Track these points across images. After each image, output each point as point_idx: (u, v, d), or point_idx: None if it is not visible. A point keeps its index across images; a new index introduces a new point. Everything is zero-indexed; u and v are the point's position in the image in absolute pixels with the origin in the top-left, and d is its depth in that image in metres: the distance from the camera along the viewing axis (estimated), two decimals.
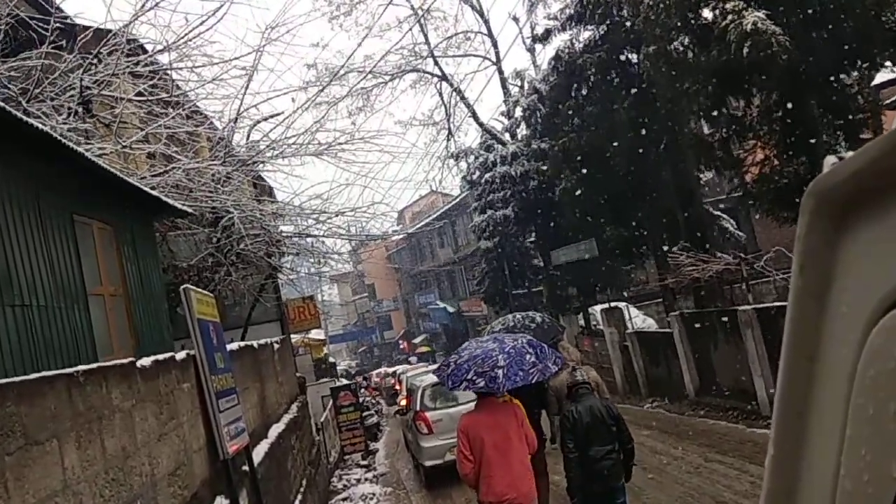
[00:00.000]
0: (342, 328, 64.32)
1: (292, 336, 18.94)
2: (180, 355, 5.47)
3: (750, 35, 9.97)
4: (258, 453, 7.49)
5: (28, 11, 9.75)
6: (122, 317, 7.68)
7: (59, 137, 5.94)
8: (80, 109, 9.50)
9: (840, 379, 0.59)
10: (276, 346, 10.79)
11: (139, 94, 10.38)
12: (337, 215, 12.41)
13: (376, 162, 71.90)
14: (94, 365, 3.81)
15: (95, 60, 9.39)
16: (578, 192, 17.08)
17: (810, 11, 10.77)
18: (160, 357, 5.01)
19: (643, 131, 15.86)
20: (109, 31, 9.56)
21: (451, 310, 42.66)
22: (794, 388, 0.65)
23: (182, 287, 5.92)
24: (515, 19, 26.54)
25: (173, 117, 9.88)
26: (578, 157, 17.02)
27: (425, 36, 26.13)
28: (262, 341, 9.78)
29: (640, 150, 16.09)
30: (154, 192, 8.51)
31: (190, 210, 9.80)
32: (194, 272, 11.54)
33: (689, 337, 13.22)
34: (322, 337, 31.90)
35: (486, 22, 26.37)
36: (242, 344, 8.06)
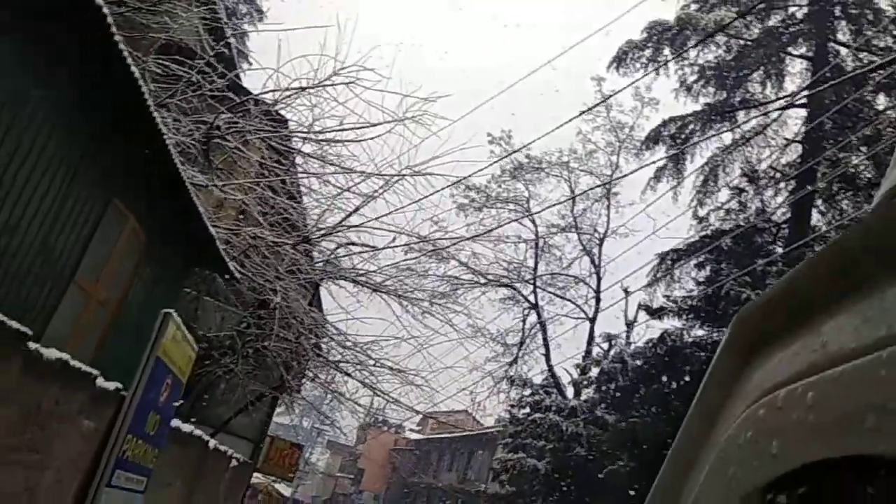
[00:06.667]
0: (310, 498, 59.37)
1: (258, 473, 16.75)
2: (107, 384, 3.99)
3: None
4: None
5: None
6: (97, 325, 6.34)
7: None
8: (199, 145, 9.10)
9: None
10: (234, 462, 8.95)
11: (260, 163, 10.02)
12: (376, 365, 10.98)
13: (446, 338, 69.87)
14: None
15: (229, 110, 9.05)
16: (629, 482, 14.84)
17: None
18: (69, 360, 3.55)
19: None
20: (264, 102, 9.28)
21: None
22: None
23: (165, 310, 4.57)
24: (626, 291, 25.74)
25: (282, 181, 9.23)
26: (644, 446, 15.01)
27: (535, 262, 25.98)
28: (222, 447, 8.04)
29: None
30: (211, 230, 7.50)
31: (236, 273, 8.77)
32: (205, 343, 10.28)
33: None
34: (286, 494, 28.89)
35: (599, 277, 25.94)
36: (196, 431, 6.40)
